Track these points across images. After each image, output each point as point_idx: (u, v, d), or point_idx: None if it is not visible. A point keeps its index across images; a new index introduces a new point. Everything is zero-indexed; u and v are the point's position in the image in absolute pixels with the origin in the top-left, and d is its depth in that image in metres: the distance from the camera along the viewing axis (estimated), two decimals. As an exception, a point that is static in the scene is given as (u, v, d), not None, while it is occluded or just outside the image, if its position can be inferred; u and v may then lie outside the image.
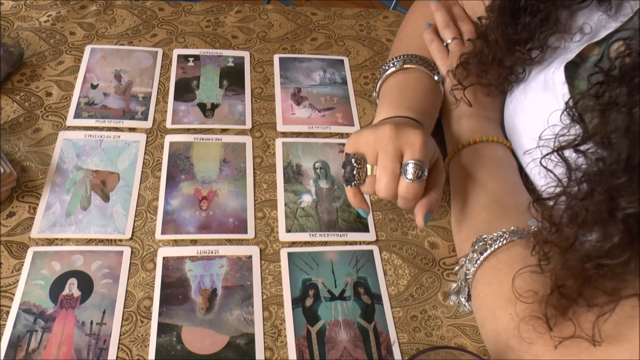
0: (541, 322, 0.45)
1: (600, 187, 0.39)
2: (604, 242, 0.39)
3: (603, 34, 0.54)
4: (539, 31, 0.58)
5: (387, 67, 0.69)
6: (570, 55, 0.56)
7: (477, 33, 0.66)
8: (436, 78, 0.68)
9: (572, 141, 0.43)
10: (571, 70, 0.56)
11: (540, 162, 0.47)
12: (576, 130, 0.44)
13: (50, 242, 0.61)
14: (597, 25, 0.55)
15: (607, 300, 0.41)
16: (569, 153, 0.44)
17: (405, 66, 0.68)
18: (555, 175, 0.45)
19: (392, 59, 0.70)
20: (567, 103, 0.45)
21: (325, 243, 0.63)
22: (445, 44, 0.70)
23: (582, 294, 0.42)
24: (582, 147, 0.42)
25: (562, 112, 0.46)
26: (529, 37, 0.59)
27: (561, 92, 0.55)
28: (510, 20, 0.60)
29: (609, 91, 0.41)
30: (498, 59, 0.62)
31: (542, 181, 0.47)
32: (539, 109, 0.59)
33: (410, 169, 0.53)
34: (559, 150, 0.44)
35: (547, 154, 0.46)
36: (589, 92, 0.42)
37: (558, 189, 0.44)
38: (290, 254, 0.62)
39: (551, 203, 0.44)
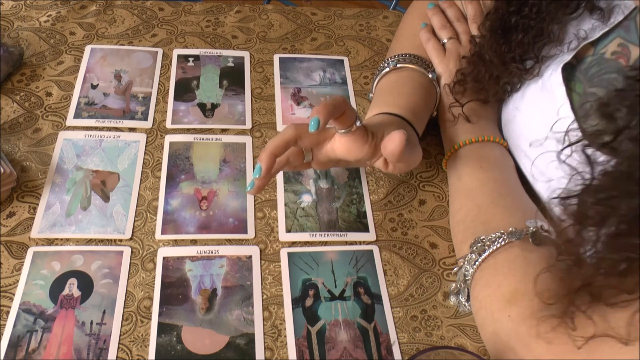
0: (560, 322, 0.44)
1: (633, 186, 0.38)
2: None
3: (598, 33, 0.54)
4: (533, 44, 0.58)
5: (382, 68, 0.70)
6: (567, 57, 0.56)
7: (471, 51, 0.65)
8: (430, 76, 0.68)
9: (600, 138, 0.42)
10: (567, 71, 0.56)
11: (558, 157, 0.46)
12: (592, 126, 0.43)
13: (50, 242, 0.61)
14: (590, 30, 0.55)
15: (628, 298, 0.40)
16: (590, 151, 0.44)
17: (398, 65, 0.68)
18: (578, 172, 0.43)
19: (387, 59, 0.70)
20: (600, 99, 0.44)
21: (325, 243, 0.63)
22: (441, 42, 0.71)
23: (602, 293, 0.41)
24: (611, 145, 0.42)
25: (590, 106, 0.45)
26: (524, 52, 0.59)
27: (558, 93, 0.55)
28: (502, 39, 0.60)
29: None
30: (495, 77, 0.62)
31: (555, 174, 0.46)
32: (537, 111, 0.59)
33: None
34: (586, 146, 0.43)
35: (566, 147, 0.45)
36: (628, 89, 0.42)
37: (578, 187, 0.43)
38: (290, 254, 0.62)
39: (574, 201, 0.43)
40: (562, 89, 0.55)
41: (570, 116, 0.53)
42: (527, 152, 0.60)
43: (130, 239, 0.62)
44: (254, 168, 0.68)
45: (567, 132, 0.47)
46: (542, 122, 0.58)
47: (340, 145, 0.56)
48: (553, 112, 0.55)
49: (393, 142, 0.53)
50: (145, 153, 0.70)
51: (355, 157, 0.57)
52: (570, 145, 0.45)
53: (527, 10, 0.57)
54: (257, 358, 0.54)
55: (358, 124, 0.55)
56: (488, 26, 0.61)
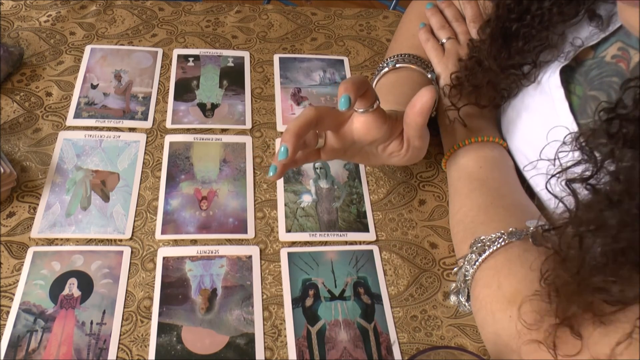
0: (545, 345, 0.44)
1: (613, 220, 0.38)
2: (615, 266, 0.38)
3: (598, 38, 0.54)
4: (530, 48, 0.58)
5: (381, 68, 0.70)
6: (566, 61, 0.56)
7: (469, 55, 0.65)
8: (429, 76, 0.68)
9: (582, 175, 0.42)
10: (567, 74, 0.56)
11: (547, 187, 0.46)
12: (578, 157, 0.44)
13: (50, 242, 0.61)
14: (587, 38, 0.55)
15: (612, 311, 0.40)
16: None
17: (398, 65, 0.68)
18: (565, 204, 0.44)
19: (386, 59, 0.70)
20: (577, 138, 0.44)
21: (325, 243, 0.63)
22: (440, 43, 0.71)
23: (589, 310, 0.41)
24: (591, 180, 0.42)
25: (571, 141, 0.44)
26: (522, 59, 0.59)
27: (557, 96, 0.55)
28: (502, 46, 0.59)
29: (622, 129, 0.40)
30: (492, 82, 0.62)
31: (547, 197, 0.47)
32: (535, 112, 0.59)
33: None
34: (568, 182, 0.43)
35: (552, 176, 0.46)
36: (600, 128, 0.41)
37: (564, 216, 0.43)
38: (290, 254, 0.62)
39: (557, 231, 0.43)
40: (561, 91, 0.55)
41: (570, 118, 0.53)
42: (526, 154, 0.60)
43: (130, 239, 0.62)
44: (254, 168, 0.69)
45: (556, 156, 0.47)
46: (540, 124, 0.58)
47: (360, 125, 0.56)
48: (552, 114, 0.55)
49: (423, 96, 0.53)
50: (145, 153, 0.70)
51: (373, 137, 0.57)
52: (554, 175, 0.46)
53: (528, 18, 0.57)
54: (257, 358, 0.54)
55: (378, 103, 0.55)
56: (488, 32, 0.61)
